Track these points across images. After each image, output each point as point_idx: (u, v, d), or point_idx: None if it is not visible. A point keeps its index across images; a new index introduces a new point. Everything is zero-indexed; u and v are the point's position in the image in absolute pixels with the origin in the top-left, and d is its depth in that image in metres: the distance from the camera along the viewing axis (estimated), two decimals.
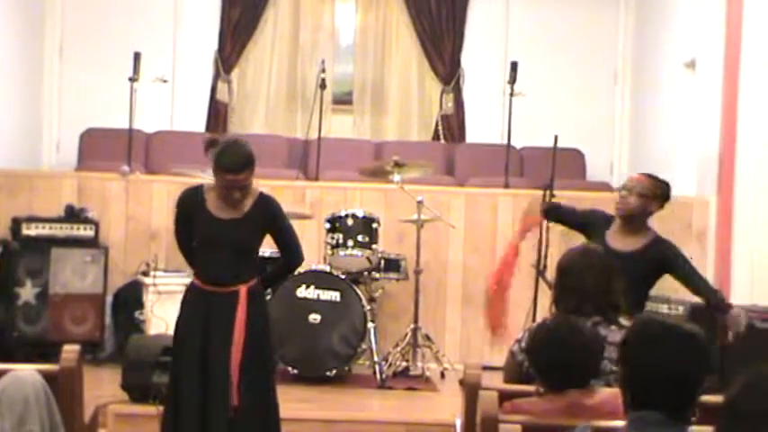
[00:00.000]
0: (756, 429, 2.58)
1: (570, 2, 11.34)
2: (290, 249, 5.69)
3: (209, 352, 5.31)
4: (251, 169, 5.43)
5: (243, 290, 5.38)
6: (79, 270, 8.17)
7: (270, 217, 5.52)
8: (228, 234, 5.40)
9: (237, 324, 5.32)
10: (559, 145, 8.34)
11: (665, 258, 6.01)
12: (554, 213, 6.68)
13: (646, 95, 10.87)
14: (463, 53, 11.58)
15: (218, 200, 5.44)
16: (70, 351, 4.63)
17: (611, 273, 4.76)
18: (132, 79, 9.07)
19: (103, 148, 10.06)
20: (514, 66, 9.70)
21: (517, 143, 10.08)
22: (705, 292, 6.08)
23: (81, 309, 8.14)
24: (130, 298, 8.18)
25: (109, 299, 8.33)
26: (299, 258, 5.78)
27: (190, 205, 5.51)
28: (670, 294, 8.01)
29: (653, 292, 7.70)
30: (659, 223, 8.71)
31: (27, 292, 8.01)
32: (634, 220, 6.05)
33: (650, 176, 6.19)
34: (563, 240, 7.73)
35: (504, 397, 4.15)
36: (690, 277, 6.04)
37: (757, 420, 2.57)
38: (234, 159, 5.39)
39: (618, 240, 6.02)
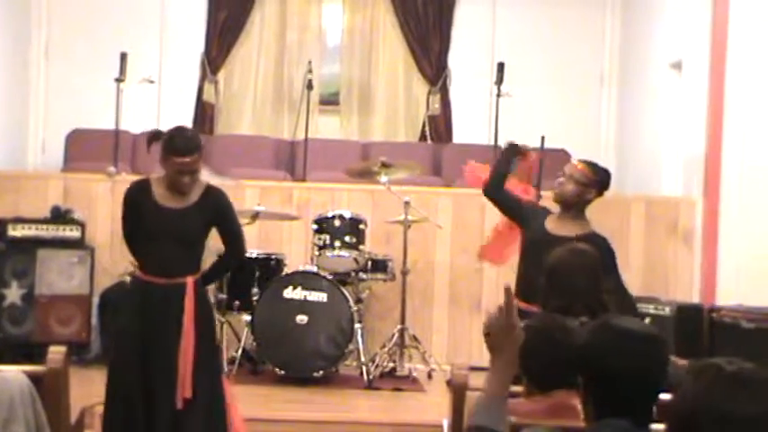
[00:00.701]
0: None
1: (557, 3, 11.35)
2: (235, 244, 5.68)
3: (153, 344, 5.28)
4: (200, 153, 5.49)
5: (190, 281, 5.36)
6: (65, 271, 8.15)
7: (216, 208, 5.53)
8: (175, 224, 5.39)
9: (186, 316, 5.30)
10: (546, 145, 8.36)
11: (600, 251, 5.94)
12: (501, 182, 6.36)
13: (632, 96, 10.90)
14: (450, 54, 11.59)
15: (165, 191, 5.45)
16: (56, 352, 4.61)
17: (600, 272, 4.77)
18: (119, 80, 9.07)
19: (90, 149, 10.04)
20: (501, 66, 9.72)
21: (504, 143, 10.07)
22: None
23: (67, 310, 8.12)
24: (117, 299, 8.16)
25: (95, 300, 8.31)
26: (242, 254, 5.82)
27: (137, 196, 5.52)
28: (659, 295, 8.05)
29: (641, 292, 7.73)
30: (646, 224, 8.78)
31: (13, 294, 7.99)
32: (572, 208, 5.96)
33: (589, 163, 6.15)
34: None
35: None
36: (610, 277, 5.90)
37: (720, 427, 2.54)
38: (185, 142, 5.47)
39: (557, 226, 5.96)
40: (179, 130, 5.59)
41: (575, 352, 3.13)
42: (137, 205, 5.51)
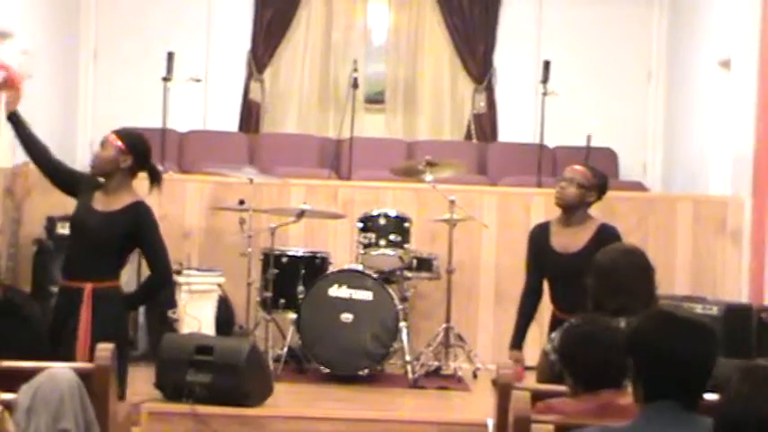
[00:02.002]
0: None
1: (603, 1, 11.30)
2: (155, 266, 5.55)
3: (58, 353, 5.15)
4: (129, 146, 5.46)
5: (87, 288, 5.34)
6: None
7: (136, 223, 5.45)
8: (90, 222, 5.40)
9: (81, 325, 5.30)
10: (592, 144, 8.37)
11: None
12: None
13: (680, 94, 10.83)
14: (495, 52, 11.57)
15: (103, 194, 5.48)
16: (104, 350, 4.64)
17: (652, 272, 4.75)
18: (166, 79, 9.12)
19: None
20: (547, 65, 9.69)
21: (550, 142, 10.07)
22: None
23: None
24: (164, 297, 8.20)
25: None
26: (163, 278, 5.67)
27: (84, 187, 5.55)
28: (707, 295, 7.99)
29: (688, 292, 7.67)
30: (694, 223, 8.72)
31: None
32: (575, 212, 6.11)
33: (588, 167, 6.29)
34: None
35: (537, 397, 4.15)
36: None
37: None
38: (123, 130, 5.56)
39: (562, 238, 6.11)
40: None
41: (626, 335, 3.16)
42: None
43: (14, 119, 5.59)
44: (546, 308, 8.42)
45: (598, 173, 6.25)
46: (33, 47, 9.44)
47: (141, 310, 8.34)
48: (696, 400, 3.01)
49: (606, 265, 4.77)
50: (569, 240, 6.09)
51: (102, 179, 5.52)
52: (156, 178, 5.67)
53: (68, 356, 5.16)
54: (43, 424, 4.12)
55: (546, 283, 6.28)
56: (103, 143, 5.52)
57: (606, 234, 6.04)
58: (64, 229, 8.08)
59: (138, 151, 5.53)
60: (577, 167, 6.23)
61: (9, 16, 8.86)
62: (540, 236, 6.27)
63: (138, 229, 5.47)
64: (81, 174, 5.70)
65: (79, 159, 10.99)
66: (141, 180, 5.64)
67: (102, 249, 5.43)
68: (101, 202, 5.47)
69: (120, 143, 5.47)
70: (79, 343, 5.29)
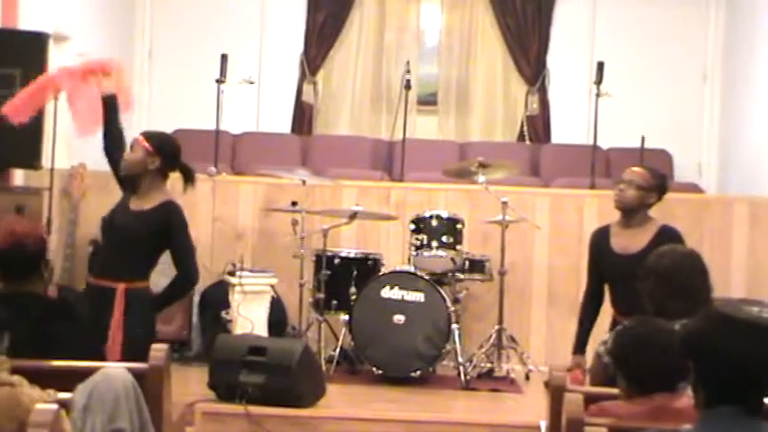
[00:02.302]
0: None
1: (658, 2, 11.23)
2: (182, 266, 5.60)
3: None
4: (152, 144, 5.56)
5: (120, 288, 5.38)
6: (167, 270, 8.23)
7: (167, 221, 5.50)
8: (123, 221, 5.49)
9: (114, 324, 5.33)
10: (646, 145, 8.32)
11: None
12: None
13: (736, 94, 10.73)
14: (549, 53, 11.55)
15: (136, 195, 5.56)
16: (158, 350, 4.68)
17: (704, 273, 4.73)
18: (219, 81, 9.17)
19: (191, 149, 10.03)
20: (601, 66, 9.64)
21: (603, 144, 10.01)
22: None
23: (169, 308, 8.21)
24: (217, 298, 8.25)
25: (196, 298, 8.41)
26: (189, 280, 5.70)
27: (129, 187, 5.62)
28: (764, 298, 7.90)
29: (744, 295, 7.60)
30: (750, 225, 8.64)
31: None
32: (635, 214, 6.09)
33: (647, 168, 6.26)
34: None
35: (590, 399, 4.14)
36: None
37: None
38: (151, 132, 5.68)
39: (622, 240, 6.09)
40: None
41: (681, 336, 3.08)
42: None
43: (110, 102, 5.75)
44: (603, 311, 8.40)
45: (657, 173, 6.22)
46: (89, 49, 9.53)
47: (196, 310, 8.40)
48: (760, 404, 2.88)
49: (668, 267, 4.74)
50: (629, 242, 6.06)
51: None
52: (188, 177, 5.77)
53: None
54: (99, 423, 4.16)
55: (606, 286, 6.24)
56: (132, 145, 5.60)
57: (668, 235, 6.01)
58: None
59: (167, 152, 5.64)
60: (636, 169, 6.20)
61: (65, 19, 8.96)
62: (599, 239, 6.25)
63: (168, 228, 5.53)
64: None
65: None
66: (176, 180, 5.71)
67: (134, 248, 5.49)
68: (134, 203, 5.56)
69: (147, 145, 5.55)
70: (110, 342, 5.33)
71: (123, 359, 5.22)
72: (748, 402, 2.87)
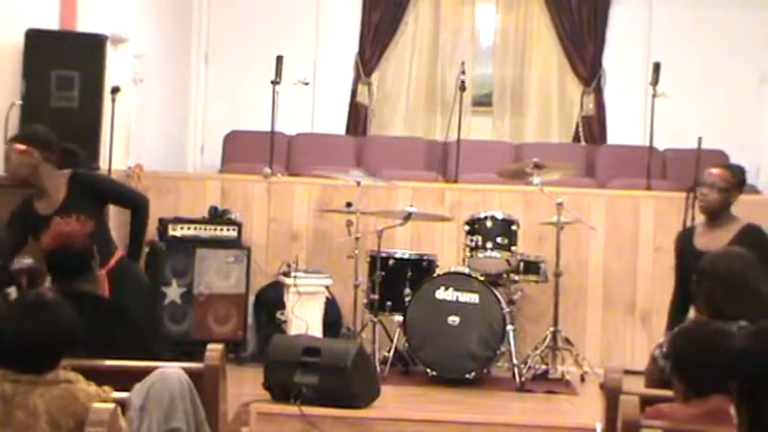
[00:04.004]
0: None
1: (715, 2, 11.14)
2: (130, 201, 5.79)
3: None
4: (31, 144, 5.52)
5: (103, 274, 5.36)
6: (223, 270, 8.32)
7: (89, 190, 5.60)
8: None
9: None
10: (703, 146, 8.23)
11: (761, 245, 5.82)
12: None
13: None
14: (604, 54, 11.49)
15: (39, 199, 5.58)
16: (214, 350, 4.70)
17: (761, 275, 4.68)
18: (274, 82, 9.20)
19: (246, 151, 10.22)
20: (657, 67, 9.56)
21: (660, 145, 9.94)
22: None
23: (224, 308, 8.29)
24: (272, 298, 8.29)
25: (251, 299, 8.46)
26: (142, 205, 5.81)
27: (20, 210, 5.62)
28: None
29: None
30: None
31: (173, 292, 8.19)
32: (719, 216, 6.10)
33: (726, 166, 6.31)
34: None
35: (646, 402, 4.11)
36: None
37: None
38: (19, 132, 5.68)
39: (706, 238, 6.05)
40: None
41: (734, 355, 3.02)
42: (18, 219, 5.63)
43: None
44: (658, 313, 8.35)
45: (736, 170, 6.25)
46: (147, 51, 9.61)
47: (251, 311, 8.43)
48: None
49: (724, 269, 4.70)
50: (712, 240, 6.01)
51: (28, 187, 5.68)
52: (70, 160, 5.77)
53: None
54: (155, 422, 4.19)
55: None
56: (7, 155, 5.59)
57: (751, 233, 5.99)
58: (175, 231, 8.23)
59: (42, 144, 5.61)
60: (715, 171, 6.20)
61: (123, 22, 9.03)
62: (684, 239, 6.27)
63: (98, 193, 5.67)
64: (14, 220, 5.72)
65: (190, 161, 11.20)
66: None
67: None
68: (42, 206, 5.58)
69: (22, 147, 5.53)
70: None
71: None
72: None
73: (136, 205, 5.84)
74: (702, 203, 6.16)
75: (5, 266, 5.41)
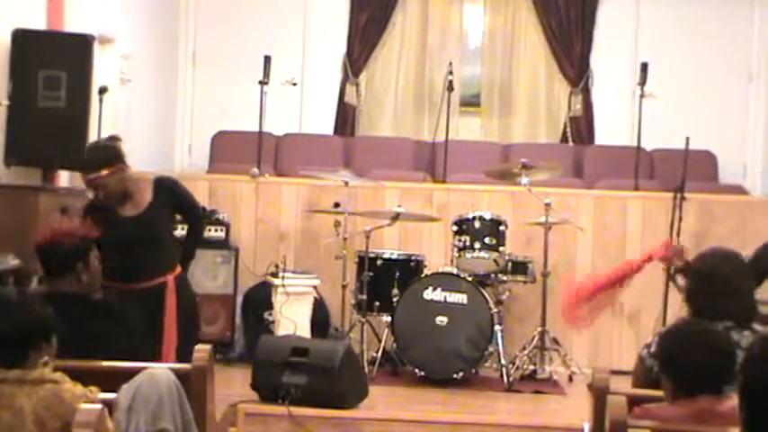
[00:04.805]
0: None
1: (702, 2, 11.16)
2: (194, 214, 5.89)
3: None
4: (108, 169, 5.50)
5: (171, 279, 5.57)
6: (210, 270, 8.30)
7: (167, 198, 5.66)
8: (134, 225, 5.55)
9: (168, 322, 5.49)
10: (691, 147, 8.23)
11: None
12: None
13: None
14: (592, 54, 11.50)
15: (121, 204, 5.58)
16: (202, 350, 4.69)
17: (747, 274, 4.69)
18: (262, 82, 9.20)
19: (234, 151, 10.22)
20: (644, 67, 9.58)
21: (647, 145, 9.96)
22: None
23: (212, 309, 8.28)
24: (260, 299, 8.28)
25: (239, 299, 8.45)
26: (200, 219, 6.05)
27: (92, 212, 5.59)
28: None
29: None
30: None
31: None
32: None
33: None
34: (694, 243, 7.63)
35: (633, 402, 4.12)
36: None
37: None
38: (87, 159, 5.54)
39: None
40: (88, 148, 5.66)
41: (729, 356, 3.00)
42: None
43: None
44: (645, 313, 8.37)
45: None
46: (134, 51, 9.60)
47: (239, 311, 8.43)
48: None
49: (706, 270, 4.72)
50: None
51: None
52: None
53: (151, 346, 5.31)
54: (143, 423, 4.18)
55: None
56: (96, 185, 5.56)
57: None
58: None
59: (117, 157, 5.62)
60: None
61: (110, 22, 9.02)
62: None
63: (170, 200, 5.70)
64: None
65: (177, 161, 11.18)
66: None
67: (162, 240, 5.65)
68: (128, 209, 5.61)
69: (105, 171, 5.51)
70: (166, 330, 5.48)
71: (183, 340, 5.46)
72: None
73: (198, 219, 5.95)
74: None
75: None
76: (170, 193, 5.67)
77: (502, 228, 8.00)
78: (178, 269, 5.69)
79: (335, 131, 11.51)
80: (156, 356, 5.28)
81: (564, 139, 11.51)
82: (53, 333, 3.71)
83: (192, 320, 5.74)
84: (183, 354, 5.39)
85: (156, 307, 5.48)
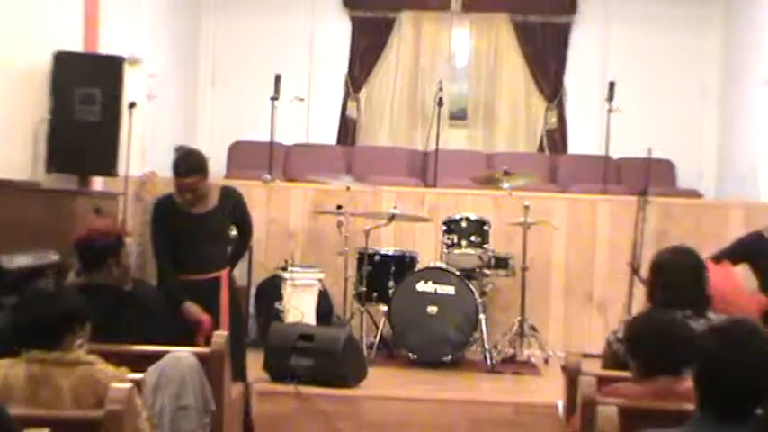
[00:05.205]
0: None
1: (662, 27, 11.17)
2: (248, 226, 5.92)
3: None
4: (201, 175, 5.56)
5: (224, 274, 5.65)
6: None
7: (232, 205, 5.72)
8: (200, 223, 5.58)
9: (222, 310, 5.55)
10: (652, 156, 8.24)
11: None
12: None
13: (731, 110, 10.66)
14: (565, 74, 11.50)
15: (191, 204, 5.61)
16: (220, 336, 4.72)
17: (702, 269, 4.69)
18: (273, 98, 9.21)
19: (248, 159, 10.21)
20: (612, 85, 9.62)
21: (614, 154, 9.96)
22: None
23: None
24: (271, 290, 8.27)
25: (252, 291, 8.44)
26: (251, 231, 6.00)
27: (163, 208, 5.65)
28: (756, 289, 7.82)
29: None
30: (745, 226, 8.56)
31: None
32: None
33: None
34: (655, 240, 7.64)
35: (602, 381, 4.12)
36: None
37: None
38: (184, 165, 5.54)
39: None
40: (182, 153, 5.63)
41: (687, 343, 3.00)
42: (165, 218, 5.65)
43: None
44: (613, 302, 8.37)
45: None
46: (159, 71, 9.60)
47: (252, 301, 8.43)
48: (747, 415, 2.77)
49: (660, 263, 4.73)
50: None
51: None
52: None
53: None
54: (167, 400, 4.19)
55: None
56: (190, 188, 5.57)
57: None
58: None
59: (206, 166, 5.68)
60: None
61: (139, 45, 9.02)
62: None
63: (234, 208, 5.76)
64: (160, 223, 5.74)
65: None
66: None
67: (223, 239, 5.72)
68: (197, 208, 5.63)
69: (197, 177, 5.56)
70: (222, 316, 5.52)
71: (234, 326, 5.52)
72: (732, 409, 2.79)
73: (249, 230, 5.93)
74: None
75: (37, 263, 5.41)
76: (232, 202, 5.70)
77: (485, 227, 8.00)
78: (228, 267, 5.75)
79: (338, 142, 11.50)
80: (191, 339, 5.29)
81: (541, 148, 11.50)
82: (87, 320, 3.72)
83: (239, 310, 5.83)
84: (235, 337, 5.40)
85: (212, 297, 5.53)
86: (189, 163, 5.58)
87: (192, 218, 5.57)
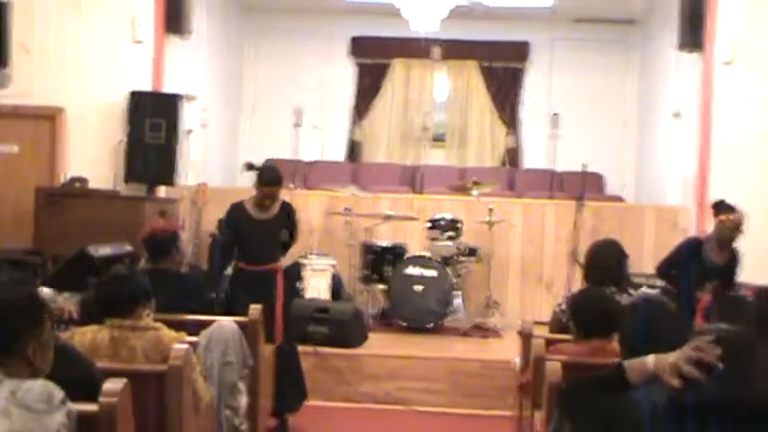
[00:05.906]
0: None
1: (594, 71, 11.19)
2: (295, 232, 5.74)
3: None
4: (281, 186, 5.52)
5: (279, 267, 5.55)
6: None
7: (288, 215, 5.60)
8: (262, 225, 5.49)
9: (278, 291, 5.44)
10: (587, 170, 8.25)
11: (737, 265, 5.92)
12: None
13: (647, 136, 10.67)
14: (520, 107, 11.51)
15: (254, 207, 5.52)
16: (255, 309, 4.73)
17: (623, 256, 4.70)
18: (296, 125, 9.21)
19: None
20: (556, 116, 9.63)
21: (559, 168, 9.96)
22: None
23: None
24: (294, 273, 8.24)
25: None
26: (296, 238, 5.82)
27: (236, 212, 5.57)
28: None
29: (651, 271, 7.44)
30: (656, 224, 8.57)
31: (230, 269, 8.10)
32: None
33: (734, 210, 5.83)
34: (589, 235, 7.63)
35: (549, 343, 4.13)
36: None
37: None
38: (271, 177, 5.48)
39: (716, 256, 5.88)
40: (268, 167, 5.58)
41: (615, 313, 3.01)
42: (236, 220, 5.56)
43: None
44: (557, 283, 8.34)
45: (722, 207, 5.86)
46: (210, 105, 9.60)
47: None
48: None
49: (592, 251, 4.74)
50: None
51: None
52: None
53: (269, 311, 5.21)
54: (216, 357, 4.19)
55: None
56: (271, 196, 5.50)
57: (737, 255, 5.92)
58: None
59: (283, 180, 5.62)
60: (736, 216, 5.76)
61: (194, 84, 9.02)
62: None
63: (288, 218, 5.64)
64: (231, 224, 5.64)
65: (238, 179, 11.14)
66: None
67: (277, 240, 5.58)
68: (258, 214, 5.53)
69: (279, 188, 5.51)
70: (278, 303, 5.44)
71: (287, 306, 5.54)
72: None
73: (296, 236, 5.79)
74: (728, 238, 5.80)
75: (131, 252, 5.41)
76: (287, 209, 5.60)
77: (459, 225, 8.00)
78: (280, 261, 5.66)
79: (346, 159, 11.50)
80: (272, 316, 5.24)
81: (502, 164, 11.51)
82: (152, 295, 3.73)
83: (291, 294, 5.78)
84: (287, 315, 5.52)
85: (269, 284, 5.43)
86: (273, 176, 5.50)
87: (257, 222, 5.50)
